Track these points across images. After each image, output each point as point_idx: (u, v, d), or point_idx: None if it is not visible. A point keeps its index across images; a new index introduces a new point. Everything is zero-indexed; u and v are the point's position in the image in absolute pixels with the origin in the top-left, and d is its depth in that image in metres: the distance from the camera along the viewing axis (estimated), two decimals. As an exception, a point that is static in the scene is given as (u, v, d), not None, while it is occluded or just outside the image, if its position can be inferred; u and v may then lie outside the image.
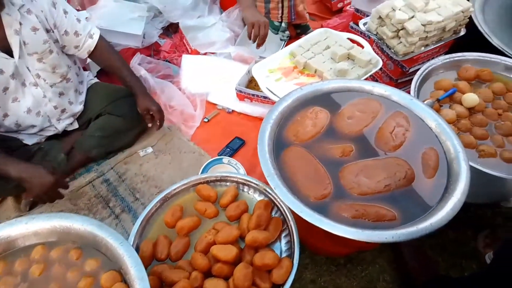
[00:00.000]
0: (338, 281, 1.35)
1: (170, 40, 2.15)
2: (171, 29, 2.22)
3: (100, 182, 1.59)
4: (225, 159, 1.56)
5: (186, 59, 2.02)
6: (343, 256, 1.41)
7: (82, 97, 1.65)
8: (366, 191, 1.03)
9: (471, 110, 1.34)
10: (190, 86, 1.91)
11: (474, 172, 1.12)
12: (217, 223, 1.09)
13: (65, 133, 1.63)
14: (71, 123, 1.63)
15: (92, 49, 1.52)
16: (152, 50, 2.09)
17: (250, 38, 1.71)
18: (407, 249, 1.33)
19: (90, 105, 1.65)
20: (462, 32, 1.62)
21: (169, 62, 2.06)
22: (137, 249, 1.03)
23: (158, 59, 2.05)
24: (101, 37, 1.53)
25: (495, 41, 1.57)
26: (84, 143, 1.60)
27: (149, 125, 1.61)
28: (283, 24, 2.11)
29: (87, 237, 0.92)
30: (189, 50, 2.09)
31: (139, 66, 1.87)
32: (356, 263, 1.40)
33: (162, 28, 2.19)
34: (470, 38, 1.64)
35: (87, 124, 1.65)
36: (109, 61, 1.56)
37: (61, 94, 1.52)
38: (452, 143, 1.08)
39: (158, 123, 1.61)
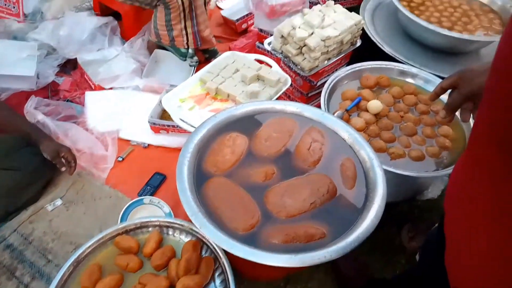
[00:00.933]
0: (281, 305, 1.32)
1: (70, 78, 1.98)
2: (69, 66, 2.05)
3: (2, 249, 1.37)
4: (146, 199, 1.45)
5: (89, 96, 1.87)
6: (282, 278, 1.38)
7: (-32, 154, 1.43)
8: (293, 212, 1.01)
9: (377, 116, 1.42)
10: (98, 124, 1.76)
11: (389, 174, 1.18)
12: (142, 276, 0.99)
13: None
14: (-44, 187, 1.40)
15: None
16: (50, 91, 1.90)
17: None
18: (341, 259, 1.35)
19: (-21, 162, 1.44)
20: (358, 43, 1.74)
21: (71, 101, 1.89)
22: (51, 327, 0.89)
23: (58, 100, 1.87)
24: None
25: (387, 49, 1.70)
26: (-24, 207, 1.38)
27: (62, 169, 1.46)
28: (190, 50, 2.07)
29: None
30: (93, 86, 1.94)
31: (35, 110, 1.68)
32: (295, 282, 1.38)
33: (58, 65, 2.00)
34: (366, 47, 1.77)
35: (-23, 185, 1.43)
36: None
37: None
38: (365, 151, 1.13)
39: (73, 165, 1.47)
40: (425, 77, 1.54)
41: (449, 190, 0.75)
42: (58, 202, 1.51)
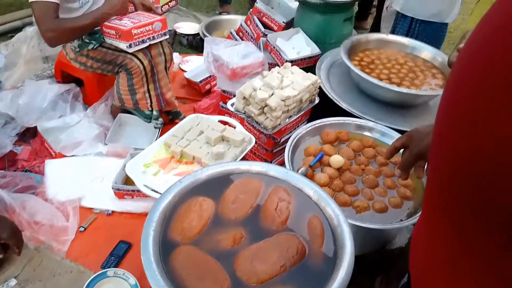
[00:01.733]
0: None
1: (29, 147, 1.92)
2: (28, 134, 2.00)
3: None
4: (110, 271, 1.38)
5: (49, 164, 1.82)
6: None
7: None
8: (264, 277, 0.99)
9: (340, 170, 1.47)
10: (59, 193, 1.70)
11: (355, 228, 1.19)
12: None
13: None
14: None
15: None
16: (6, 161, 1.83)
17: None
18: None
19: None
20: (317, 100, 1.83)
21: (29, 171, 1.82)
22: None
23: (15, 170, 1.80)
24: None
25: (344, 105, 1.80)
26: None
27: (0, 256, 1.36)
28: (154, 112, 2.09)
29: None
30: (53, 154, 1.89)
31: (-11, 183, 1.61)
32: None
33: (16, 134, 1.95)
34: (324, 104, 1.86)
35: None
36: None
37: None
38: (331, 207, 1.14)
39: (16, 251, 1.37)
40: (381, 130, 1.63)
41: (412, 247, 0.77)
42: (12, 282, 1.40)
